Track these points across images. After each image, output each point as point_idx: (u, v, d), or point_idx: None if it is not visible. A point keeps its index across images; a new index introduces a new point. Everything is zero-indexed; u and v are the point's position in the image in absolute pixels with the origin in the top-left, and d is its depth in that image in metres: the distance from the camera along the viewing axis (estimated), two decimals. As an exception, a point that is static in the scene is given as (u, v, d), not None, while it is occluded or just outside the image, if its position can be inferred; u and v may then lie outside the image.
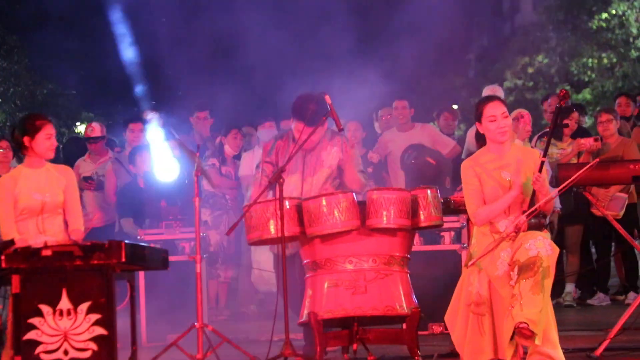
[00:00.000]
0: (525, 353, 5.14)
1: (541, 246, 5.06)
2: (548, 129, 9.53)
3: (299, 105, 6.51)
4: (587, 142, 8.79)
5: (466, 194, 5.44)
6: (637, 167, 6.21)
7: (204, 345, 6.37)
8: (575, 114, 9.43)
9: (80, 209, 6.19)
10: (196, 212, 6.58)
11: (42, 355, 5.25)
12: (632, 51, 22.08)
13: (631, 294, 9.14)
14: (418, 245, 7.49)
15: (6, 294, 5.65)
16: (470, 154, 8.88)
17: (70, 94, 22.45)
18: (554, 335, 5.11)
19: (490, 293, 5.21)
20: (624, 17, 22.08)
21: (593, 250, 9.88)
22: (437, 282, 7.19)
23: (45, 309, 5.28)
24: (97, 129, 9.79)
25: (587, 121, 11.61)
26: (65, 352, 5.25)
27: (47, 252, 5.32)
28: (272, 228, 5.98)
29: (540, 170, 5.25)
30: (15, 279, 5.31)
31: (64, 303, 5.28)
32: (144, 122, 9.69)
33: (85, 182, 9.40)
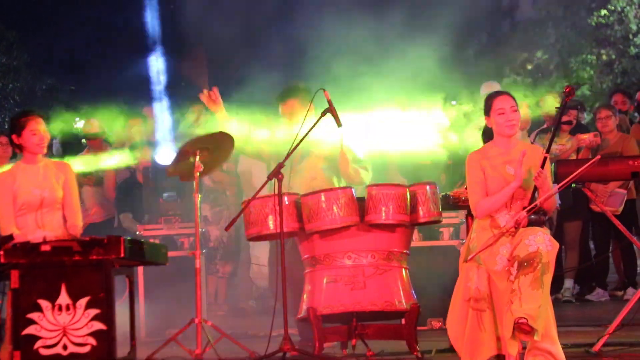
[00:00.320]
0: (524, 348, 5.14)
1: (541, 242, 5.06)
2: (546, 126, 9.57)
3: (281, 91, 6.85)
4: (587, 138, 8.79)
5: (469, 186, 5.44)
6: (636, 163, 6.21)
7: (202, 340, 6.38)
8: (574, 111, 9.42)
9: (78, 204, 6.19)
10: (196, 208, 6.59)
11: (41, 350, 5.26)
12: (631, 48, 22.07)
13: (630, 290, 9.14)
14: (417, 241, 7.50)
15: (5, 289, 5.65)
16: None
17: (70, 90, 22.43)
18: (553, 330, 5.11)
19: (489, 288, 5.21)
20: (623, 14, 22.07)
21: (592, 246, 9.88)
22: (436, 278, 7.20)
23: (44, 304, 5.29)
24: (95, 125, 9.78)
25: (586, 117, 11.61)
26: (64, 347, 5.26)
27: (46, 248, 5.32)
28: (270, 224, 5.99)
29: (542, 166, 5.26)
30: (14, 274, 5.31)
31: (63, 298, 5.29)
32: (142, 118, 9.69)
33: (84, 178, 9.39)
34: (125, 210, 8.98)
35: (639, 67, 21.76)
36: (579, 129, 9.29)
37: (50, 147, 8.43)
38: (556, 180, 5.82)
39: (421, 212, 6.03)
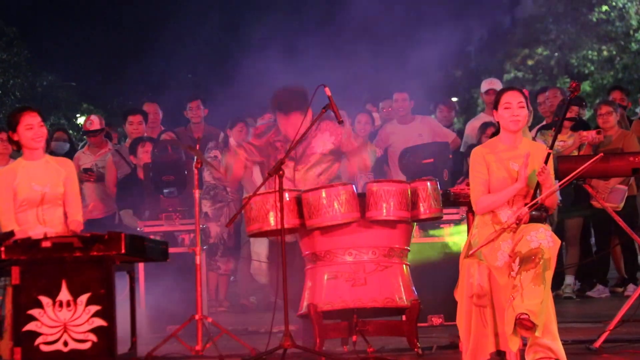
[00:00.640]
0: (524, 345, 5.14)
1: (543, 238, 5.06)
2: (546, 122, 9.56)
3: (279, 97, 6.66)
4: (589, 135, 8.79)
5: (472, 180, 5.44)
6: (637, 159, 6.21)
7: (203, 336, 6.38)
8: (575, 107, 9.42)
9: (80, 200, 6.19)
10: (196, 204, 6.59)
11: (42, 347, 5.26)
12: (632, 44, 22.08)
13: (630, 286, 9.14)
14: (418, 237, 7.50)
15: (5, 285, 5.65)
16: (469, 146, 8.91)
17: (70, 86, 22.44)
18: (554, 327, 5.11)
19: (490, 284, 5.21)
20: (624, 10, 22.08)
21: (593, 242, 9.88)
22: (436, 275, 7.20)
23: (45, 300, 5.29)
24: (95, 122, 9.78)
25: (587, 113, 11.61)
26: (65, 344, 5.27)
27: (46, 244, 5.33)
28: (271, 220, 5.98)
29: (546, 163, 5.26)
30: (15, 271, 5.32)
31: (64, 294, 5.30)
32: (142, 113, 9.69)
33: (85, 174, 9.39)
34: (125, 206, 8.97)
35: (640, 63, 21.74)
36: (580, 125, 9.29)
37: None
38: (558, 176, 5.82)
39: (422, 209, 6.03)
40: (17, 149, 6.19)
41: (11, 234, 5.60)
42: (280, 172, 5.85)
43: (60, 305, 5.28)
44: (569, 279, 9.35)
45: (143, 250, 5.63)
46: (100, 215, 9.23)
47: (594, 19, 22.47)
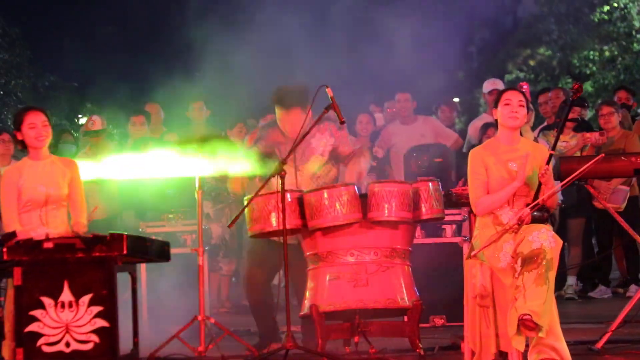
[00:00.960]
0: (527, 345, 5.14)
1: (545, 238, 5.06)
2: (548, 123, 9.56)
3: (280, 93, 6.64)
4: (593, 137, 8.79)
5: (471, 182, 5.44)
6: (638, 160, 6.21)
7: (205, 337, 6.38)
8: (577, 108, 9.42)
9: (84, 202, 6.17)
10: (198, 205, 6.59)
11: (44, 347, 5.26)
12: (634, 44, 22.06)
13: (632, 287, 9.14)
14: (419, 238, 7.50)
15: (6, 285, 5.66)
16: (471, 146, 8.90)
17: (72, 86, 22.44)
18: (557, 327, 5.11)
19: (492, 285, 5.21)
20: (625, 10, 22.07)
21: (594, 242, 9.88)
22: (438, 275, 7.20)
23: (47, 301, 5.29)
24: (98, 122, 9.77)
25: (588, 114, 11.61)
26: (67, 344, 5.27)
27: (49, 245, 5.33)
28: (273, 221, 5.98)
29: (548, 163, 5.26)
30: (17, 271, 5.32)
31: (66, 295, 5.30)
32: (145, 114, 9.69)
33: (86, 174, 9.38)
34: (128, 207, 8.97)
35: (642, 64, 21.72)
36: (582, 126, 9.29)
37: None
38: (559, 177, 5.82)
39: (424, 209, 6.03)
40: (23, 149, 6.17)
41: (13, 234, 5.60)
42: (282, 173, 5.86)
43: (62, 306, 5.28)
44: (571, 280, 9.35)
45: (145, 251, 5.63)
46: (102, 217, 9.22)
47: (596, 19, 22.46)
